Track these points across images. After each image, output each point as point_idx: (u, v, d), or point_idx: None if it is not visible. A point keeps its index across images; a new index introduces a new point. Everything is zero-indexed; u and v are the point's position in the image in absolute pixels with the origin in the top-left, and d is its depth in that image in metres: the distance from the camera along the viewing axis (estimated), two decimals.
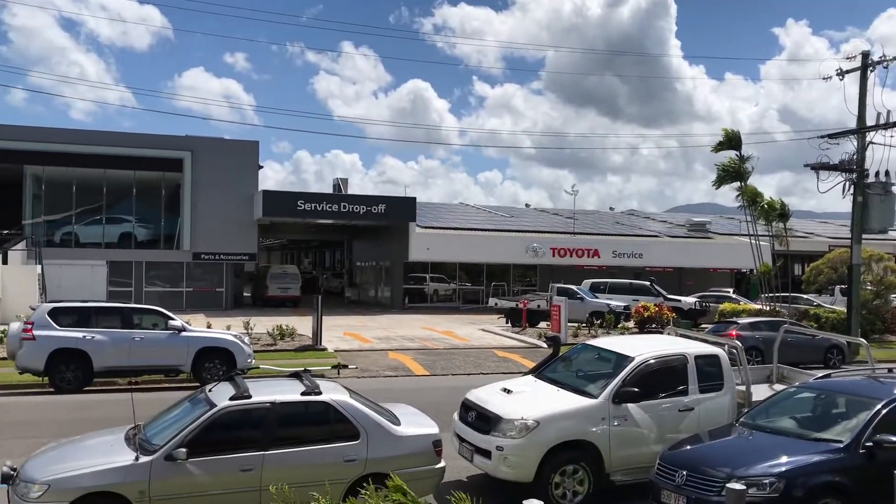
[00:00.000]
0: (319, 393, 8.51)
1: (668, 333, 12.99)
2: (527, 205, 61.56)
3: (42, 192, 37.04)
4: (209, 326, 21.84)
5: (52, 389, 16.46)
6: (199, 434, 7.82)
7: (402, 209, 38.70)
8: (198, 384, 17.03)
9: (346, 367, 16.25)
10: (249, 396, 8.21)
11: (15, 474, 7.68)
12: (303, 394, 8.46)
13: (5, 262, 29.40)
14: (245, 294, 44.45)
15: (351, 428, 8.33)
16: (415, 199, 40.08)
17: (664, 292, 34.22)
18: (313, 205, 37.12)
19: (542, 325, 29.83)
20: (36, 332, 16.25)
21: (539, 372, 10.93)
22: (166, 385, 17.83)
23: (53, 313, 16.71)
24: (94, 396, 16.13)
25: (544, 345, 24.79)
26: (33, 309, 17.47)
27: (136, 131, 47.80)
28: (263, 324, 25.92)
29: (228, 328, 21.07)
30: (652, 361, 9.81)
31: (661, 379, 9.79)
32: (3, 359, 20.76)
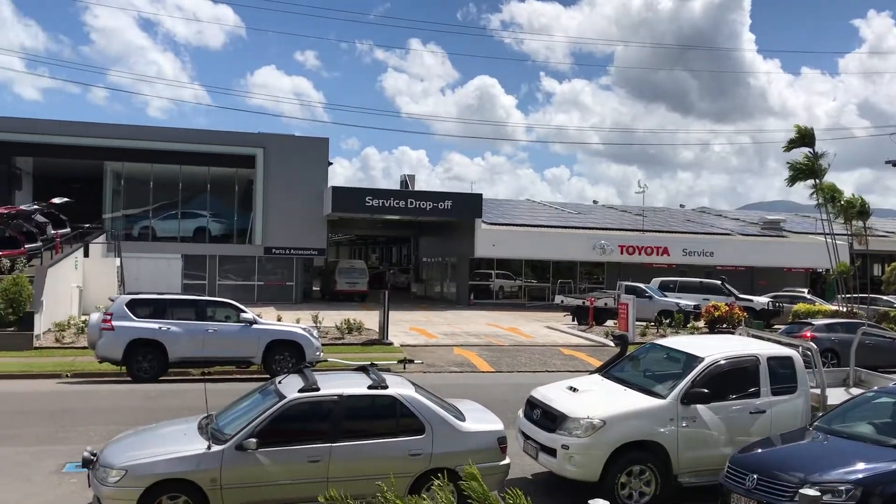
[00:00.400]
0: (386, 387, 8.60)
1: (740, 334, 12.68)
2: (594, 201, 60.89)
3: (121, 188, 38.33)
4: (279, 319, 22.30)
5: (129, 378, 17.05)
6: (269, 425, 8.00)
7: (469, 205, 38.73)
8: (268, 376, 17.42)
9: (411, 361, 16.37)
10: (318, 389, 8.36)
11: (95, 459, 7.99)
12: (369, 387, 8.57)
13: (87, 254, 30.53)
14: (314, 288, 45.17)
15: (416, 422, 8.39)
16: (481, 195, 40.05)
17: (736, 292, 33.41)
18: (381, 201, 37.46)
19: (609, 323, 29.48)
20: (115, 323, 16.85)
21: (606, 371, 10.82)
22: (237, 376, 18.27)
23: (131, 305, 17.29)
24: (168, 386, 16.64)
25: (611, 343, 24.49)
26: (112, 300, 18.12)
27: (211, 128, 49.14)
28: (331, 318, 26.32)
29: (298, 321, 21.47)
30: (723, 362, 9.61)
31: (731, 380, 9.58)
32: (85, 348, 21.61)
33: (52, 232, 28.60)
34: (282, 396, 8.29)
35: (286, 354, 17.64)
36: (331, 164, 40.90)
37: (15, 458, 10.25)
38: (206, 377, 18.37)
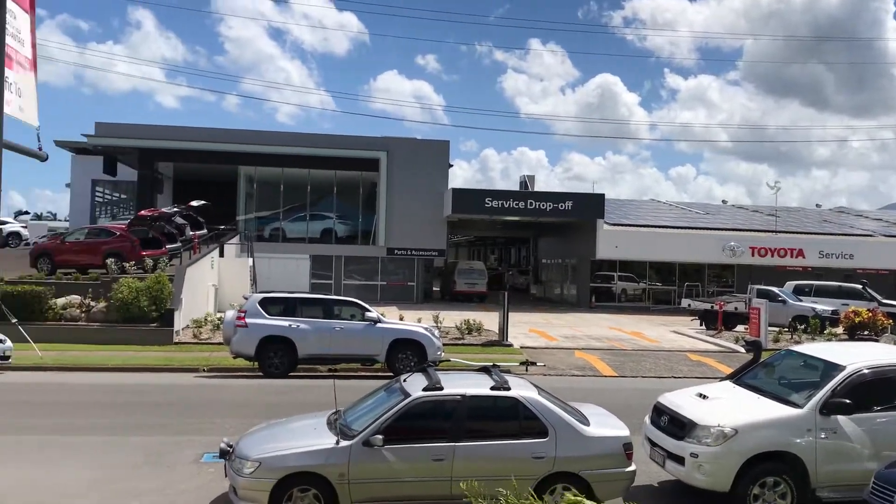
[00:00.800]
0: (508, 388, 8.58)
1: (884, 342, 11.88)
2: (724, 201, 58.65)
3: (254, 191, 40.10)
4: (401, 319, 22.67)
5: (261, 373, 17.80)
6: (394, 422, 8.13)
7: (590, 206, 38.19)
8: (391, 374, 17.77)
9: (533, 364, 16.28)
10: (441, 388, 8.44)
11: (231, 451, 8.37)
12: (492, 388, 8.57)
13: (222, 254, 32.09)
14: (434, 288, 45.73)
15: (539, 425, 8.33)
16: (603, 195, 39.40)
17: (879, 296, 31.37)
18: (500, 202, 37.51)
19: (740, 328, 28.31)
20: (248, 321, 17.62)
21: (738, 378, 10.38)
22: (363, 373, 18.73)
23: (263, 303, 18.04)
24: (297, 381, 17.24)
25: (742, 349, 23.53)
26: (246, 299, 18.95)
27: (335, 132, 50.41)
28: (451, 318, 26.53)
29: (419, 321, 21.77)
30: (866, 371, 9.02)
31: (876, 390, 8.98)
32: (220, 344, 22.71)
33: (191, 233, 30.27)
34: (407, 394, 8.42)
35: (408, 353, 17.93)
36: (451, 166, 41.33)
37: (158, 447, 10.88)
38: (333, 374, 18.96)
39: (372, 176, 39.32)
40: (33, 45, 4.47)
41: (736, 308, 28.83)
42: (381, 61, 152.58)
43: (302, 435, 8.43)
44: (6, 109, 3.81)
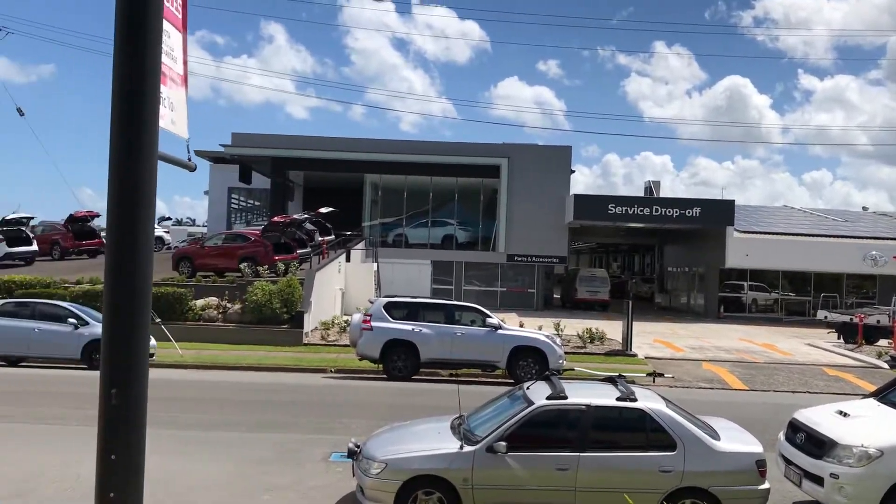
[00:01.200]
0: (635, 399, 8.41)
1: None
2: (864, 208, 55.29)
3: (378, 198, 41.08)
4: (521, 325, 22.64)
5: (384, 376, 18.20)
6: (518, 429, 8.12)
7: (719, 212, 36.88)
8: (512, 381, 17.77)
9: (660, 375, 15.88)
10: (566, 397, 8.36)
11: (359, 451, 8.60)
12: (618, 399, 8.42)
13: (348, 259, 33.05)
14: (555, 296, 45.36)
15: (667, 438, 8.11)
16: (733, 201, 37.97)
17: None
18: (624, 208, 36.82)
19: (883, 342, 26.56)
20: (373, 324, 18.07)
21: (883, 395, 9.75)
22: (483, 379, 18.83)
23: (388, 307, 18.45)
24: (419, 385, 17.51)
25: (885, 365, 22.10)
26: (371, 302, 19.44)
27: (457, 140, 50.87)
28: (573, 326, 26.26)
29: (540, 328, 21.67)
30: None
31: None
32: (346, 346, 23.37)
33: (320, 239, 31.34)
34: (530, 402, 8.40)
35: (530, 361, 17.88)
36: (573, 171, 40.92)
37: (290, 444, 11.31)
38: (454, 378, 19.14)
39: (493, 182, 39.46)
40: (185, 62, 4.77)
41: (878, 321, 27.11)
42: (502, 68, 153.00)
43: (426, 438, 8.56)
44: (160, 123, 4.07)
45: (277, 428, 12.38)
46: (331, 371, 19.46)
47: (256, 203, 50.58)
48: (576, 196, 37.70)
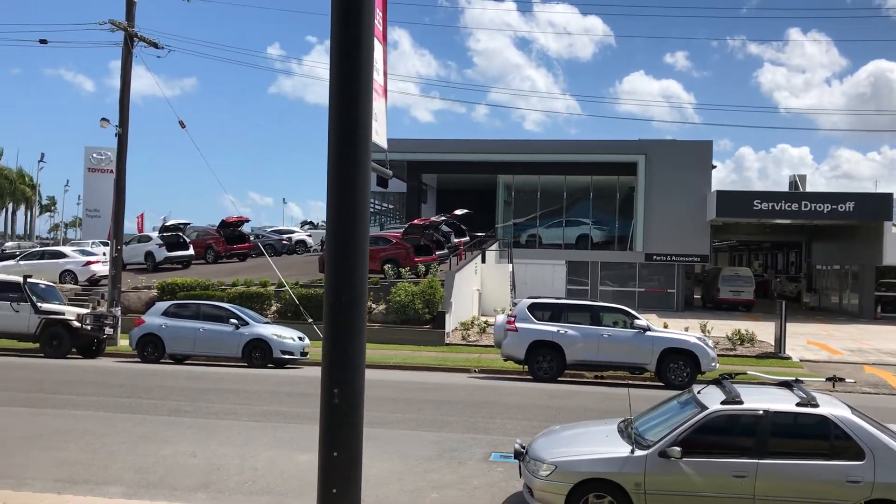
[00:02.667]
0: (816, 405, 8.01)
1: None
2: None
3: (511, 198, 41.13)
4: (665, 327, 22.07)
5: (530, 377, 18.18)
6: (691, 434, 7.91)
7: (876, 206, 34.63)
8: (661, 384, 17.36)
9: (841, 380, 15.12)
10: (741, 402, 8.08)
11: (525, 452, 8.62)
12: (798, 405, 8.05)
13: (484, 260, 33.27)
14: (695, 296, 43.95)
15: (854, 446, 7.68)
16: (892, 194, 35.55)
17: None
18: (770, 204, 35.19)
19: None
20: (518, 325, 18.09)
21: None
22: (631, 382, 18.49)
23: (532, 308, 18.43)
24: (565, 386, 17.40)
25: None
26: (515, 303, 19.48)
27: (583, 137, 49.83)
28: (717, 327, 25.37)
29: (686, 330, 21.05)
30: None
31: None
32: (487, 346, 23.56)
33: (455, 240, 31.72)
34: (703, 407, 8.16)
35: (680, 363, 17.41)
36: (714, 167, 39.51)
37: (449, 443, 11.49)
38: (600, 381, 18.91)
39: (629, 180, 38.69)
40: (385, 73, 4.93)
41: None
42: (627, 63, 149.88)
43: (595, 441, 8.48)
44: None
45: (434, 427, 12.60)
46: (475, 371, 19.64)
47: (390, 206, 51.79)
48: (718, 192, 36.38)
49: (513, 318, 18.26)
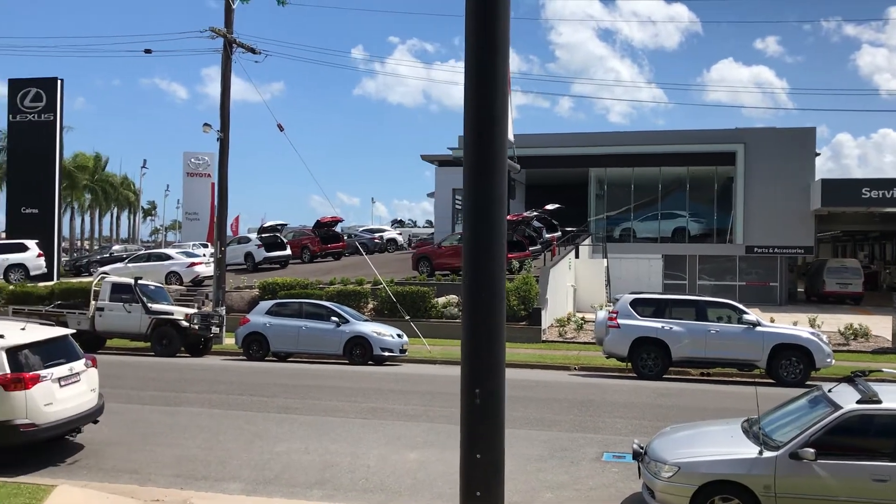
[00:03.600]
0: None
1: None
2: None
3: (603, 192, 40.40)
4: (772, 322, 21.21)
5: (633, 375, 17.76)
6: (825, 435, 7.51)
7: None
8: (771, 381, 16.69)
9: None
10: (879, 401, 7.61)
11: (643, 452, 8.37)
12: None
13: (577, 256, 32.79)
14: (798, 289, 42.22)
15: None
16: None
17: None
18: (881, 192, 33.37)
19: None
20: (620, 321, 17.69)
21: None
22: (738, 379, 17.86)
23: (635, 304, 17.99)
24: (672, 384, 16.91)
25: None
26: (617, 299, 19.08)
27: (675, 128, 48.18)
28: (827, 321, 24.23)
29: (795, 324, 20.21)
30: None
31: None
32: (585, 343, 23.19)
33: (547, 235, 31.35)
34: (837, 406, 7.73)
35: (793, 359, 16.70)
36: (818, 154, 37.83)
37: (558, 442, 11.31)
38: (706, 378, 18.32)
39: (727, 170, 37.44)
40: (507, 66, 4.80)
41: None
42: (715, 50, 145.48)
43: (720, 441, 8.15)
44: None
45: (542, 425, 12.42)
46: (575, 369, 19.33)
47: None
48: (823, 181, 34.80)
49: (615, 315, 17.87)
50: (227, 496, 8.91)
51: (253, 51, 23.36)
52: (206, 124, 22.81)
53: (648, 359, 17.46)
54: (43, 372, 9.86)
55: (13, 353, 9.73)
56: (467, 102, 3.93)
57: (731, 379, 17.92)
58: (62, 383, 10.13)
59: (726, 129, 38.28)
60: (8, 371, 9.55)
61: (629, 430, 11.87)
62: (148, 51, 23.18)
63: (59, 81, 36.06)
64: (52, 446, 10.48)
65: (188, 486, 9.16)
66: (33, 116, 35.73)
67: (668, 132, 39.59)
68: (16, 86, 36.18)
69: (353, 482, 9.43)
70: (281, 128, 22.80)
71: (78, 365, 10.55)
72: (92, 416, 10.65)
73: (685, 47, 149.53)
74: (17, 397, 9.53)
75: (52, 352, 10.34)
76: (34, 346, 10.09)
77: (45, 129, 35.69)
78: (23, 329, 10.46)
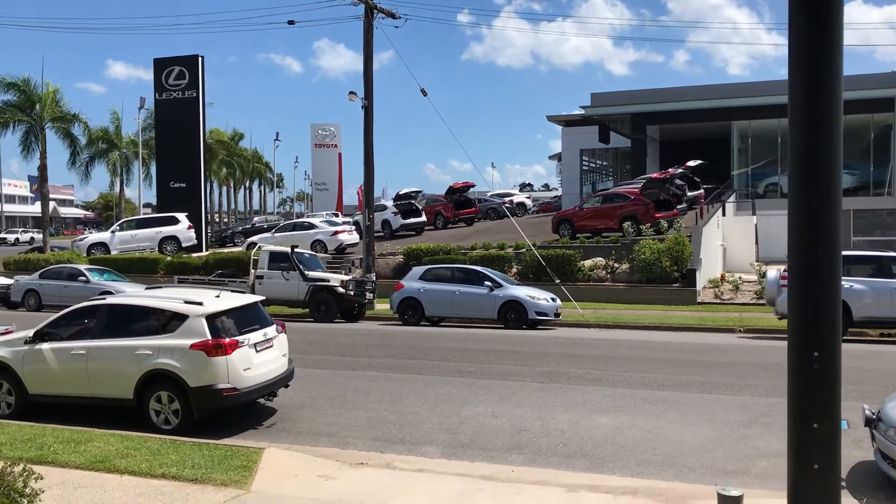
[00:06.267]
0: None
1: None
2: None
3: (747, 146, 38.42)
4: None
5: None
6: None
7: None
8: None
9: None
10: None
11: (875, 418, 7.73)
12: None
13: (724, 213, 31.39)
14: None
15: None
16: None
17: None
18: None
19: None
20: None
21: None
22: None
23: None
24: (855, 346, 15.86)
25: None
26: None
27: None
28: None
29: None
30: None
31: None
32: (744, 304, 22.17)
33: (690, 193, 30.11)
34: None
35: None
36: None
37: (755, 406, 10.69)
38: (886, 339, 17.12)
39: (885, 117, 34.83)
40: None
41: None
42: None
43: None
44: None
45: (732, 390, 11.85)
46: (740, 331, 18.47)
47: (604, 163, 50.49)
48: None
49: (787, 274, 16.83)
50: (429, 460, 8.87)
51: (393, 16, 23.28)
52: (351, 92, 22.98)
53: None
54: (240, 338, 10.11)
55: (212, 319, 10.01)
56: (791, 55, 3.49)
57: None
58: (258, 348, 10.36)
59: (882, 74, 35.62)
60: (209, 337, 9.83)
61: (845, 395, 11.10)
62: (291, 22, 23.50)
63: (199, 59, 37.40)
64: (249, 410, 10.80)
65: (388, 450, 9.19)
66: (178, 94, 37.24)
67: None
68: (161, 65, 37.76)
69: (550, 447, 9.21)
70: (424, 93, 22.70)
71: (271, 331, 10.78)
72: (285, 380, 10.89)
73: None
74: (219, 362, 9.80)
75: (246, 318, 10.60)
76: (230, 313, 10.35)
77: (189, 106, 37.15)
78: (217, 296, 10.76)
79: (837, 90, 3.58)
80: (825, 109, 3.58)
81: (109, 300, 11.28)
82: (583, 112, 39.17)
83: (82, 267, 25.58)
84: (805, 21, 3.49)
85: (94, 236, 36.24)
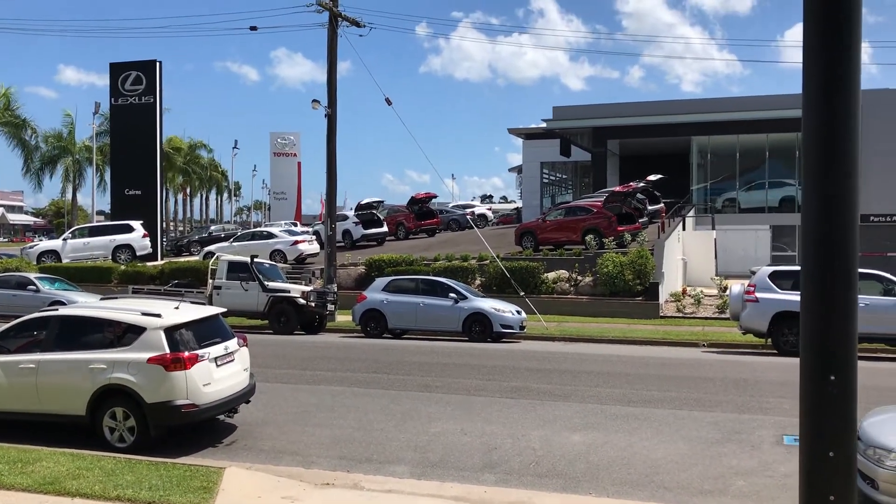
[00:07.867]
0: None
1: None
2: None
3: (706, 161, 38.87)
4: None
5: (773, 351, 16.83)
6: None
7: None
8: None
9: None
10: None
11: (856, 438, 7.63)
12: None
13: (684, 227, 31.62)
14: None
15: None
16: None
17: None
18: None
19: None
20: (759, 295, 16.76)
21: None
22: (883, 355, 16.76)
23: (774, 276, 17.02)
24: None
25: None
26: (753, 272, 18.10)
27: (787, 92, 45.45)
28: None
29: None
30: None
31: None
32: (706, 318, 22.25)
33: (650, 207, 30.29)
34: None
35: None
36: None
37: (727, 423, 10.60)
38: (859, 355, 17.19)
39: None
40: None
41: None
42: (790, 14, 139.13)
43: None
44: None
45: (702, 406, 11.73)
46: (704, 345, 18.50)
47: (564, 177, 50.74)
48: None
49: (752, 288, 16.93)
50: (398, 480, 8.55)
51: (357, 24, 23.00)
52: (314, 101, 22.56)
53: (790, 334, 16.48)
54: (200, 352, 9.69)
55: (171, 332, 9.58)
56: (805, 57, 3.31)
57: (885, 356, 16.81)
58: (219, 363, 9.96)
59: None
60: (167, 350, 9.40)
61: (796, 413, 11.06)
62: (254, 27, 23.12)
63: (157, 64, 36.59)
64: (209, 427, 10.36)
65: (355, 469, 8.85)
66: (134, 99, 36.37)
67: (778, 97, 37.61)
68: (117, 70, 36.85)
69: (523, 466, 8.97)
70: (389, 102, 22.41)
71: (232, 344, 10.38)
72: (246, 395, 10.48)
73: (758, 11, 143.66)
74: (178, 377, 9.37)
75: (206, 331, 10.18)
76: (190, 326, 9.92)
77: (146, 112, 36.30)
78: (176, 308, 10.32)
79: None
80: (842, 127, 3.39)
81: (62, 311, 10.75)
82: (545, 125, 39.28)
83: (32, 275, 24.70)
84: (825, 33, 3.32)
85: (45, 244, 35.15)
